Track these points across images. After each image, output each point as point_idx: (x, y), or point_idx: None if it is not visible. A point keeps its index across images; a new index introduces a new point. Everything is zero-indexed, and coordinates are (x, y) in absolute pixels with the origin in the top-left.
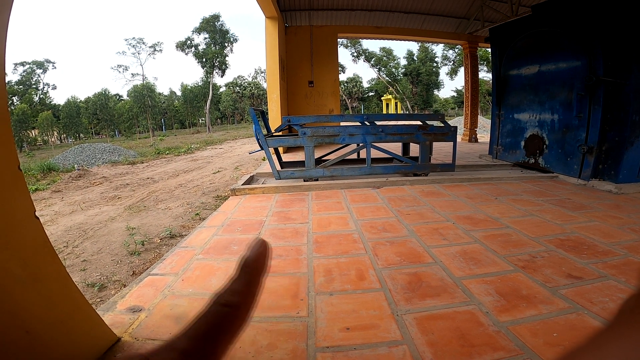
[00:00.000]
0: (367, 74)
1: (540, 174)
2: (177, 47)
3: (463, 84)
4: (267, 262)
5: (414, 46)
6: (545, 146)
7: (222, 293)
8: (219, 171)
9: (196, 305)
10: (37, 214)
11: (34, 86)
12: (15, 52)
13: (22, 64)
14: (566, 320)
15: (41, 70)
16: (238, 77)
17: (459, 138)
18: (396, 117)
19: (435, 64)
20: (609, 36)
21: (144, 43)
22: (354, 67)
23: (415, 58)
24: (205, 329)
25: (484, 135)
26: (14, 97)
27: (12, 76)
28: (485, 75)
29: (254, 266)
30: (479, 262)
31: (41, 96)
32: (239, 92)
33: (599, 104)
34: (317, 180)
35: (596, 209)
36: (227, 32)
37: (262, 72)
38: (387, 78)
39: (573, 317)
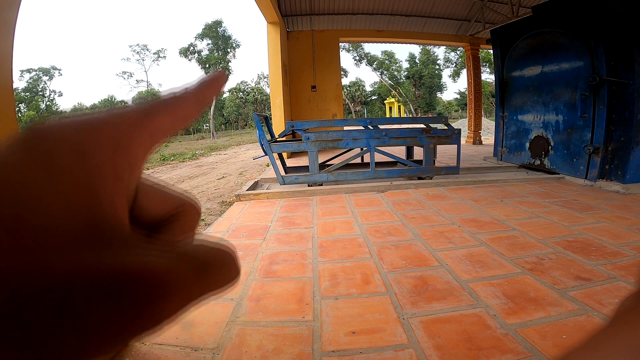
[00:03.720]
0: (369, 77)
1: (546, 176)
2: (180, 53)
3: (466, 86)
4: (222, 84)
5: (415, 49)
6: (550, 147)
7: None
8: (223, 177)
9: (202, 310)
10: None
11: (40, 93)
12: (22, 58)
13: (29, 70)
14: (575, 322)
15: (47, 77)
16: (241, 82)
17: (463, 140)
18: (399, 120)
19: (437, 67)
20: (610, 35)
21: (147, 49)
22: (356, 71)
23: (417, 61)
24: (143, 103)
25: (488, 138)
26: (21, 105)
27: (19, 83)
28: (488, 77)
29: (211, 80)
30: (486, 265)
31: (48, 103)
32: (242, 97)
33: (604, 104)
34: (321, 185)
35: (604, 209)
36: (229, 37)
37: (264, 78)
38: (389, 81)
39: (583, 319)
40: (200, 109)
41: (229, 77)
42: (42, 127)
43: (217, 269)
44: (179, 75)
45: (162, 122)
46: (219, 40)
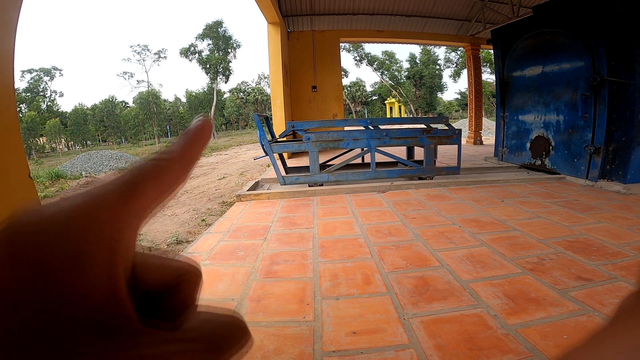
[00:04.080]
0: (370, 77)
1: (547, 176)
2: (181, 53)
3: (466, 86)
4: (209, 132)
5: (416, 49)
6: (551, 147)
7: (154, 153)
8: (224, 177)
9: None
10: None
11: (41, 93)
12: (23, 59)
13: (30, 71)
14: (577, 322)
15: (48, 78)
16: (242, 83)
17: (463, 141)
18: (400, 120)
19: (438, 67)
20: (611, 35)
21: (148, 50)
22: (356, 71)
23: (417, 61)
24: (127, 175)
25: (489, 138)
26: (22, 105)
27: (20, 84)
28: (488, 77)
29: (195, 133)
30: (486, 265)
31: (49, 103)
32: (243, 98)
33: (604, 104)
34: (321, 185)
35: (605, 210)
36: (230, 38)
37: (265, 78)
38: (390, 81)
39: (584, 319)
40: (188, 171)
41: (213, 123)
42: (22, 231)
43: (229, 342)
44: (180, 76)
45: (147, 197)
46: (219, 40)
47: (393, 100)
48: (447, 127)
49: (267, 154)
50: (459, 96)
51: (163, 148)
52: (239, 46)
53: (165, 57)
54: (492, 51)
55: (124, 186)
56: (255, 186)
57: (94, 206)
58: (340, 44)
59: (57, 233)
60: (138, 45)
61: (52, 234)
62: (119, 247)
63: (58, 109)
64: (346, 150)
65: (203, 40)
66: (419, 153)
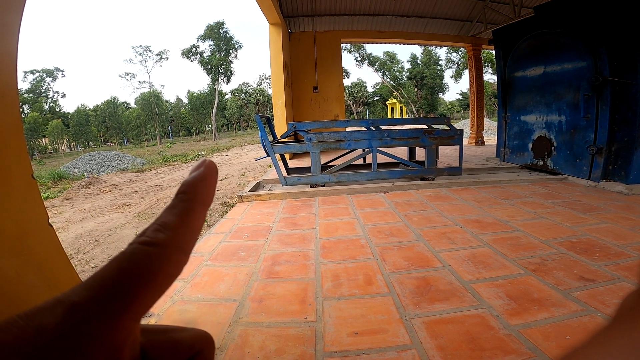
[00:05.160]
0: (371, 78)
1: (549, 176)
2: (182, 54)
3: (468, 87)
4: (212, 188)
5: (417, 50)
6: (553, 148)
7: (146, 229)
8: (225, 178)
9: (205, 310)
10: (49, 221)
11: (44, 94)
12: (25, 60)
13: (32, 72)
14: (579, 323)
15: (51, 79)
16: (243, 83)
17: (465, 141)
18: (402, 121)
19: (439, 67)
20: (613, 36)
21: (150, 51)
22: (358, 72)
23: (419, 62)
24: (114, 277)
25: (490, 138)
26: (24, 106)
27: (23, 84)
28: (490, 77)
29: (193, 192)
30: (489, 266)
31: (51, 104)
32: (244, 98)
33: (607, 104)
34: (323, 186)
35: (607, 210)
36: (231, 39)
37: (266, 79)
38: (391, 82)
39: (586, 320)
40: (190, 251)
41: (216, 167)
42: None
43: None
44: (181, 77)
45: (142, 301)
46: (221, 41)
47: (394, 100)
48: (448, 128)
49: (268, 155)
50: (460, 97)
51: (156, 220)
52: (240, 47)
53: (167, 58)
54: (493, 51)
55: (111, 297)
56: (256, 187)
57: (80, 335)
58: (342, 45)
59: None
60: (140, 46)
61: None
62: (121, 355)
63: (60, 110)
64: (348, 151)
65: (204, 41)
66: (420, 154)
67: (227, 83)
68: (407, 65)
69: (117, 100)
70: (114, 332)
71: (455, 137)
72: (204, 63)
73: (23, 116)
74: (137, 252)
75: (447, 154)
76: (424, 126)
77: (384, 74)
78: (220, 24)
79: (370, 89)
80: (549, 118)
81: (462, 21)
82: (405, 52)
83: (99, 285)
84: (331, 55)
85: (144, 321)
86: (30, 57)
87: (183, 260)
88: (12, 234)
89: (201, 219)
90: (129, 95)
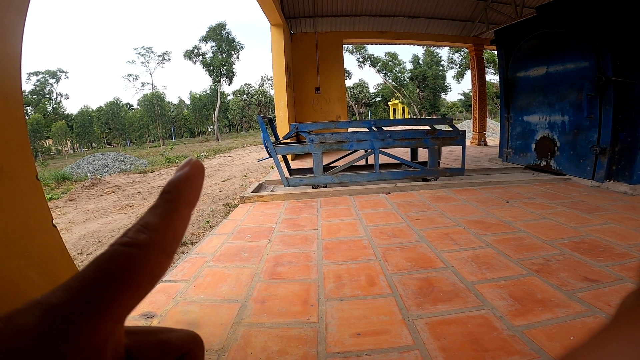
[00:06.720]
0: (373, 79)
1: (553, 177)
2: (184, 55)
3: (470, 87)
4: (197, 188)
5: (419, 50)
6: (556, 148)
7: (128, 230)
8: (228, 179)
9: (208, 311)
10: (53, 222)
11: (47, 96)
12: (29, 61)
13: (36, 73)
14: (583, 324)
15: (54, 80)
16: (245, 84)
17: (467, 142)
18: (404, 122)
19: (441, 68)
20: (616, 35)
21: (152, 52)
22: (359, 73)
23: (421, 62)
24: (93, 279)
25: (493, 139)
26: (28, 107)
27: (26, 86)
28: (492, 77)
29: (177, 192)
30: (492, 267)
31: (54, 106)
32: (246, 99)
33: (610, 104)
34: (325, 187)
35: (611, 210)
36: (233, 40)
37: (268, 80)
38: (393, 83)
39: (590, 320)
40: (173, 252)
41: (203, 166)
42: None
43: None
44: (184, 78)
45: (122, 302)
46: (223, 42)
47: (396, 101)
48: (451, 128)
49: (270, 156)
50: (462, 97)
51: (139, 221)
52: (242, 48)
53: (169, 59)
54: (495, 52)
55: (90, 299)
56: (259, 188)
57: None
58: (343, 46)
59: None
60: (142, 47)
61: None
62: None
63: (64, 111)
64: (350, 151)
65: (207, 43)
66: (422, 154)
67: (229, 84)
68: (409, 66)
69: (120, 101)
70: (93, 334)
71: (457, 137)
72: (206, 64)
73: (26, 118)
74: (117, 253)
75: (450, 154)
76: (426, 127)
77: (385, 74)
78: (222, 25)
79: (372, 90)
80: (552, 118)
81: (463, 21)
82: (407, 53)
83: (78, 286)
84: (333, 56)
85: (146, 322)
86: (33, 59)
87: (165, 261)
88: (17, 235)
89: (185, 219)
90: (131, 96)
